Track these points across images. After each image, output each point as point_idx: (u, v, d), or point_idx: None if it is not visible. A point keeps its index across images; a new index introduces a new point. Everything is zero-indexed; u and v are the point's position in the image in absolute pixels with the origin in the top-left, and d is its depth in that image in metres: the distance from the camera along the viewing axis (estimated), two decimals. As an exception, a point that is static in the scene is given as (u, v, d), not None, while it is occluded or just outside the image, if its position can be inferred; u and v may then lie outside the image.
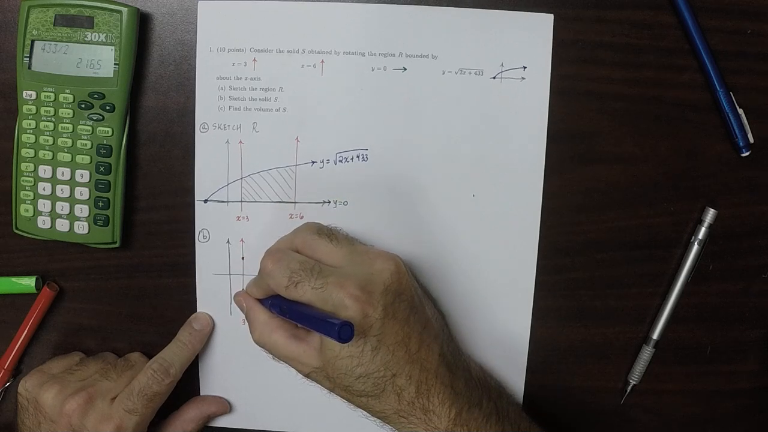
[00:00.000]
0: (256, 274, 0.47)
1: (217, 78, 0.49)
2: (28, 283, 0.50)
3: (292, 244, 0.45)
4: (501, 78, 0.48)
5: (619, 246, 0.51)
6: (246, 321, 0.48)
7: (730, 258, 0.51)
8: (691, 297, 0.51)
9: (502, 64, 0.48)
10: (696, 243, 0.50)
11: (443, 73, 0.48)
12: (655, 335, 0.51)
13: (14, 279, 0.50)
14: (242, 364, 0.51)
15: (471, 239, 0.50)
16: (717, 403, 0.53)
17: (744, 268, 0.51)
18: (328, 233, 0.45)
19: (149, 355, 0.50)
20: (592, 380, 0.52)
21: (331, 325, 0.39)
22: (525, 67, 0.48)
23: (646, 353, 0.51)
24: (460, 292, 0.50)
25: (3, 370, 0.51)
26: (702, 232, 0.50)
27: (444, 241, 0.50)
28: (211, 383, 0.52)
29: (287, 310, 0.44)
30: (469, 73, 0.48)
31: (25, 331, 0.51)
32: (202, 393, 0.52)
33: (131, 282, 0.51)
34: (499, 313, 0.51)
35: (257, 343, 0.46)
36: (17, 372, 0.52)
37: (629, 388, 0.52)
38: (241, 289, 0.50)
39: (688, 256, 0.50)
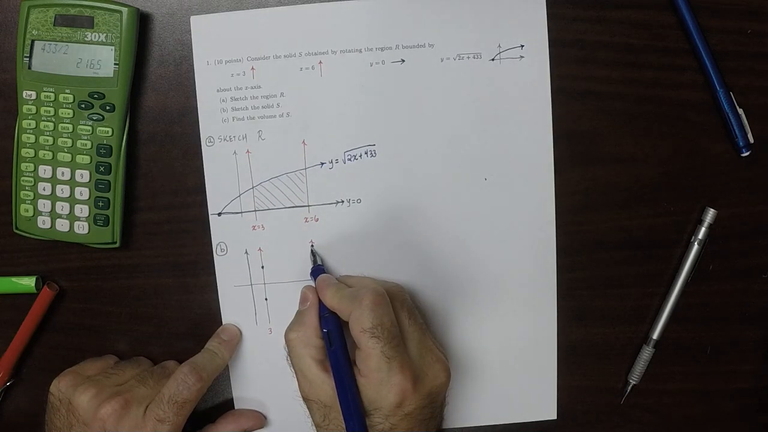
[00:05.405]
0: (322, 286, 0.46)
1: (218, 90, 0.48)
2: (28, 283, 0.50)
3: (386, 294, 0.45)
4: (500, 59, 0.48)
5: (619, 246, 0.51)
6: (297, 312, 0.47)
7: (730, 258, 0.51)
8: (691, 297, 0.51)
9: (499, 45, 0.48)
10: (696, 243, 0.50)
11: (441, 61, 0.48)
12: (655, 335, 0.51)
13: (14, 279, 0.50)
14: (274, 375, 0.50)
15: (487, 222, 0.50)
16: (717, 403, 0.53)
17: (744, 268, 0.51)
18: (410, 310, 0.45)
19: (155, 360, 0.51)
20: (592, 380, 0.52)
21: (351, 422, 0.40)
22: (523, 46, 0.48)
23: (646, 353, 0.51)
24: (479, 278, 0.50)
25: (3, 370, 0.51)
26: (702, 232, 0.50)
27: (460, 228, 0.50)
28: (245, 396, 0.51)
29: (336, 353, 0.43)
30: (468, 57, 0.48)
31: (25, 331, 0.51)
32: (236, 407, 0.52)
33: (131, 282, 0.51)
34: (522, 306, 0.51)
35: (286, 338, 0.46)
36: (17, 372, 0.52)
37: (629, 388, 0.52)
38: (265, 298, 0.50)
39: (688, 256, 0.50)
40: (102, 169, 0.47)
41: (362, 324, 0.42)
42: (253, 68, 0.48)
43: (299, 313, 0.47)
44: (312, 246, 0.50)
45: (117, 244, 0.49)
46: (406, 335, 0.44)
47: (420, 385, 0.42)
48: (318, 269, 0.48)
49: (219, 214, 0.50)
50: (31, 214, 0.48)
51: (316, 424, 0.44)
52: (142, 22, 0.48)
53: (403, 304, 0.45)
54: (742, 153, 0.49)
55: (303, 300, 0.47)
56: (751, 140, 0.49)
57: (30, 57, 0.46)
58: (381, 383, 0.42)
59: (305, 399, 0.45)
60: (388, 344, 0.42)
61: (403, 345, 0.43)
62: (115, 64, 0.46)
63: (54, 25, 0.46)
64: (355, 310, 0.43)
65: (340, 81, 0.48)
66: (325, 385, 0.43)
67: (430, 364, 0.43)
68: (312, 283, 0.48)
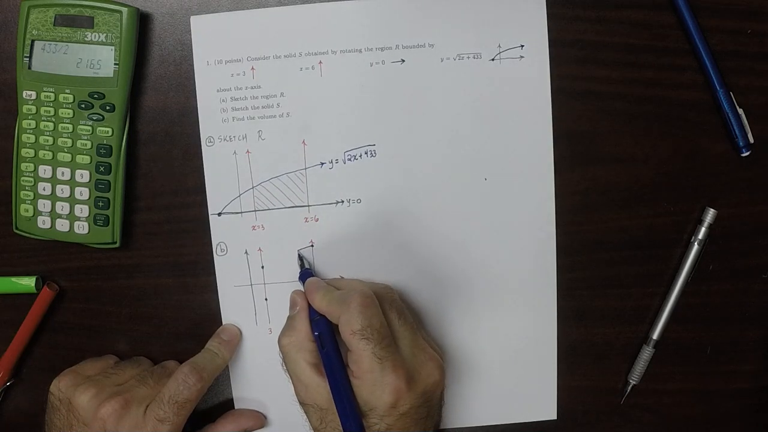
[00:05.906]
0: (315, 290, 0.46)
1: (218, 90, 0.48)
2: (28, 283, 0.50)
3: (374, 295, 0.45)
4: (500, 59, 0.48)
5: (619, 246, 0.51)
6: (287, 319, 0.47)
7: (730, 258, 0.51)
8: (691, 297, 0.51)
9: (499, 45, 0.48)
10: (696, 243, 0.50)
11: (441, 61, 0.48)
12: (655, 335, 0.51)
13: (14, 279, 0.50)
14: (274, 375, 0.50)
15: (487, 222, 0.50)
16: (717, 403, 0.53)
17: (744, 268, 0.51)
18: (399, 310, 0.45)
19: (155, 360, 0.51)
20: (592, 380, 0.52)
21: (348, 423, 0.40)
22: (523, 46, 0.48)
23: (646, 353, 0.51)
24: (479, 278, 0.50)
25: (3, 370, 0.51)
26: (702, 232, 0.50)
27: (460, 228, 0.50)
28: (245, 396, 0.51)
29: (329, 355, 0.43)
30: (468, 57, 0.48)
31: (25, 331, 0.51)
32: (236, 407, 0.52)
33: (131, 282, 0.51)
34: (522, 306, 0.51)
35: (279, 344, 0.46)
36: (17, 372, 0.52)
37: (629, 388, 0.52)
38: (265, 298, 0.50)
39: (688, 256, 0.50)
40: (102, 169, 0.47)
41: (352, 326, 0.42)
42: (253, 68, 0.48)
43: (290, 318, 0.47)
44: (299, 250, 0.50)
45: (117, 244, 0.49)
46: (397, 335, 0.44)
47: (414, 384, 0.42)
48: (306, 273, 0.48)
49: (219, 214, 0.50)
50: (31, 214, 0.48)
51: (313, 428, 0.44)
52: (142, 22, 0.48)
53: (392, 304, 0.45)
54: (742, 153, 0.49)
55: (292, 305, 0.48)
56: (751, 140, 0.49)
57: (30, 57, 0.46)
58: (374, 384, 0.42)
59: (302, 403, 0.45)
60: (379, 345, 0.42)
61: (395, 345, 0.43)
62: (115, 64, 0.46)
63: (54, 25, 0.46)
64: (344, 312, 0.43)
65: (340, 81, 0.48)
66: (321, 388, 0.43)
67: (423, 362, 0.43)
68: (301, 287, 0.48)
